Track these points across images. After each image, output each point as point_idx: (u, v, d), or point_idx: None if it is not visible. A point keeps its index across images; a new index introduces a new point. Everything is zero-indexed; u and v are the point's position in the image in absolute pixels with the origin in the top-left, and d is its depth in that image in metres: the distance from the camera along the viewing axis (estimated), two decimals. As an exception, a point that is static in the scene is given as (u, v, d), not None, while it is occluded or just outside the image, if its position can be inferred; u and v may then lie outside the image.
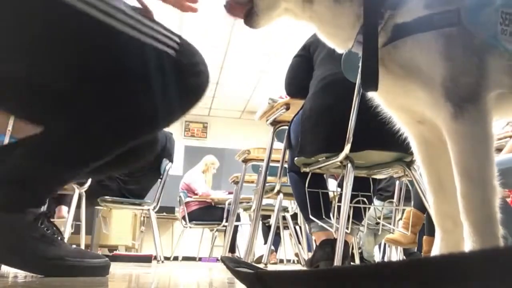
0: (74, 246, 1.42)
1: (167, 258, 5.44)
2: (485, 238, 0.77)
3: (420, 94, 0.83)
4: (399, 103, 0.93)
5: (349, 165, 1.86)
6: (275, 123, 2.64)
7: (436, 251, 0.94)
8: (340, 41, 0.94)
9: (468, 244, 0.78)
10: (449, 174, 0.85)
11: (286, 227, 4.68)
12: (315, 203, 2.07)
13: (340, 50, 0.96)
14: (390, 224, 2.61)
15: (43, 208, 1.21)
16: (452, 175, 0.83)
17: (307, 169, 2.08)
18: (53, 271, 1.14)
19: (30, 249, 1.12)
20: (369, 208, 2.22)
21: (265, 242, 5.25)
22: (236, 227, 5.04)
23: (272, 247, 5.03)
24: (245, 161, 3.41)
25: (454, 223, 0.91)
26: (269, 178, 2.82)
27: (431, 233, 2.61)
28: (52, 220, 1.21)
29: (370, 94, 0.96)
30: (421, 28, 0.81)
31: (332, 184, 3.19)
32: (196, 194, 5.37)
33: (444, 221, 0.94)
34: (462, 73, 0.80)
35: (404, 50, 0.82)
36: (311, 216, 2.04)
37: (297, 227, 4.28)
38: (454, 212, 0.87)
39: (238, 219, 5.18)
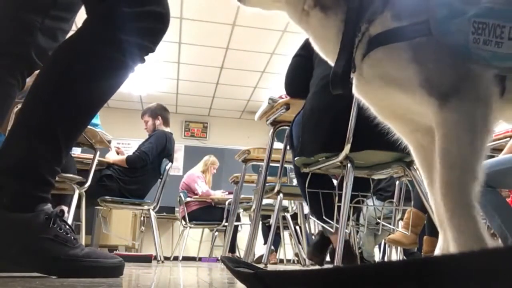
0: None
1: (167, 258, 5.44)
2: (461, 224, 0.78)
3: (404, 98, 0.85)
4: (392, 112, 0.96)
5: (349, 165, 1.86)
6: (275, 123, 2.64)
7: (437, 251, 0.95)
8: (327, 53, 0.98)
9: (448, 230, 0.80)
10: None
11: (286, 227, 4.68)
12: (327, 204, 2.07)
13: (330, 62, 0.99)
14: (390, 224, 2.61)
15: (57, 209, 1.20)
16: None
17: (307, 169, 2.08)
18: (67, 272, 1.13)
19: (43, 250, 1.11)
20: (367, 208, 2.22)
21: (265, 242, 5.25)
22: (236, 227, 5.04)
23: (272, 247, 5.03)
24: (245, 161, 3.41)
25: None
26: (269, 178, 2.82)
27: (432, 233, 2.61)
28: (64, 219, 1.20)
29: (369, 110, 1.00)
30: (392, 39, 0.84)
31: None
32: (196, 194, 5.37)
33: (443, 222, 0.95)
34: (436, 74, 0.82)
35: (378, 60, 0.86)
36: (325, 218, 2.03)
37: (297, 227, 4.28)
38: None
39: (238, 219, 5.18)
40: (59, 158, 1.18)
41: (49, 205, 1.17)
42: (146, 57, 1.27)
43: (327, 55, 0.99)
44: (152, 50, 1.27)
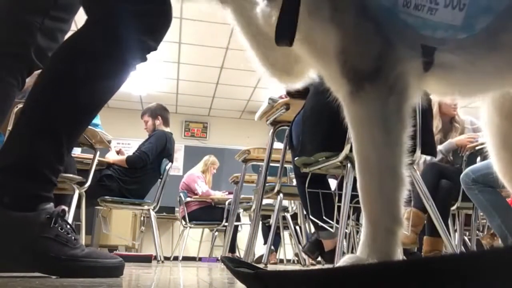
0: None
1: (167, 258, 5.44)
2: (377, 233, 0.69)
3: (321, 71, 0.75)
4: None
5: (349, 165, 1.86)
6: (275, 123, 2.64)
7: None
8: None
9: (362, 238, 0.72)
10: None
11: (286, 227, 4.68)
12: (326, 206, 2.07)
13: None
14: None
15: (59, 208, 1.20)
16: None
17: (307, 169, 2.08)
18: (67, 272, 1.13)
19: (44, 249, 1.11)
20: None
21: (265, 242, 5.25)
22: (236, 227, 5.04)
23: (272, 247, 5.03)
24: (245, 161, 3.41)
25: None
26: (269, 178, 2.82)
27: (432, 233, 2.61)
28: (66, 219, 1.20)
29: None
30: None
31: (332, 184, 3.19)
32: (196, 194, 5.37)
33: None
34: (357, 42, 0.71)
35: (302, 22, 0.73)
36: (324, 218, 2.04)
37: (297, 227, 4.28)
38: None
39: (238, 219, 5.18)
40: (61, 157, 1.18)
41: (51, 204, 1.17)
42: (148, 55, 1.27)
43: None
44: (155, 48, 1.26)
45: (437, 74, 0.75)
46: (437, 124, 3.04)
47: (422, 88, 0.79)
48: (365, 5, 0.71)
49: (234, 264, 0.78)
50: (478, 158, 2.81)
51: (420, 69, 0.73)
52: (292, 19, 0.71)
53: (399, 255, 0.71)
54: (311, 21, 0.72)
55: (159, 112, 4.14)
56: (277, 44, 0.73)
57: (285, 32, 0.72)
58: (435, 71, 0.74)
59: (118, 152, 3.79)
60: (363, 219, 0.72)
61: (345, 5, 0.72)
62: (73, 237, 1.17)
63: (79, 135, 1.27)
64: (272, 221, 3.58)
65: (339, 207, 1.91)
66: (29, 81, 2.83)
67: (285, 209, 4.17)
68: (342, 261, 0.69)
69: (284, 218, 4.29)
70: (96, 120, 2.83)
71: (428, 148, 1.92)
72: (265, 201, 3.24)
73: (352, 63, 0.70)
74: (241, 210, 4.88)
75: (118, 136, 6.69)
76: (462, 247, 3.05)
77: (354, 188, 1.89)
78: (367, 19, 0.71)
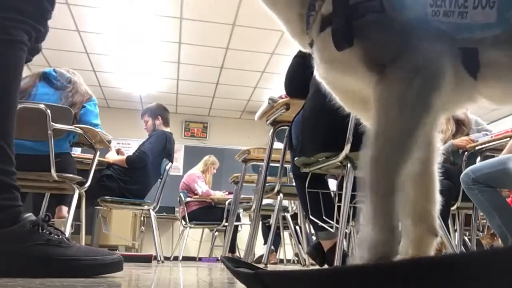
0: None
1: (167, 258, 5.44)
2: (378, 202, 0.71)
3: (350, 80, 0.80)
4: (353, 100, 0.90)
5: (349, 165, 1.86)
6: (275, 123, 2.64)
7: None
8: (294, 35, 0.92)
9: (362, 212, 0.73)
10: None
11: (286, 227, 4.68)
12: (325, 206, 2.07)
13: (299, 43, 0.93)
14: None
15: (42, 213, 1.19)
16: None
17: (307, 169, 2.08)
18: (67, 272, 1.13)
19: (41, 254, 1.11)
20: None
21: (265, 242, 5.25)
22: (236, 227, 5.04)
23: (272, 247, 5.03)
24: (245, 161, 3.41)
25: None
26: (269, 178, 2.82)
27: (431, 233, 2.61)
28: (52, 221, 1.20)
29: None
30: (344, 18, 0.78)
31: (332, 184, 3.19)
32: (196, 194, 5.37)
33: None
34: (376, 47, 0.76)
35: (325, 42, 0.79)
36: (324, 218, 2.04)
37: (297, 227, 4.28)
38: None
39: (238, 219, 5.18)
40: (6, 157, 1.15)
41: (30, 214, 1.16)
42: (35, 31, 1.22)
43: (294, 36, 0.92)
44: (39, 21, 1.22)
45: (488, 75, 0.75)
46: (451, 127, 3.03)
47: (476, 97, 0.80)
48: (392, 21, 0.75)
49: (234, 264, 0.78)
50: (478, 158, 2.81)
51: (466, 77, 0.75)
52: (344, 20, 0.76)
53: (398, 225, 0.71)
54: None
55: (159, 112, 4.14)
56: (339, 49, 0.77)
57: (342, 35, 0.76)
58: (485, 73, 0.75)
59: (118, 152, 3.79)
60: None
61: (368, 24, 0.76)
62: (64, 238, 1.17)
63: (13, 129, 1.20)
64: (272, 221, 3.58)
65: (339, 207, 1.91)
66: (28, 81, 2.83)
67: (285, 209, 4.17)
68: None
69: (284, 218, 4.30)
70: (96, 120, 2.84)
71: None
72: (265, 201, 3.24)
73: (374, 60, 0.74)
74: (241, 210, 4.89)
75: (118, 136, 6.69)
76: (462, 247, 3.06)
77: (354, 188, 1.89)
78: (392, 30, 0.75)
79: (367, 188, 0.72)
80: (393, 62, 0.73)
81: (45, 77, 2.78)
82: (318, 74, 0.88)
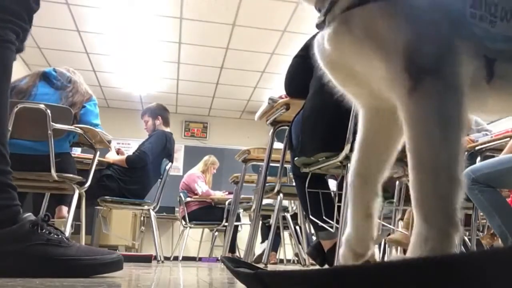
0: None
1: (167, 258, 5.44)
2: (432, 233, 0.65)
3: (377, 63, 0.73)
4: (356, 73, 0.83)
5: (349, 165, 1.85)
6: (275, 123, 2.64)
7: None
8: None
9: (414, 238, 0.68)
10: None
11: (286, 227, 4.68)
12: (325, 206, 2.07)
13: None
14: (390, 224, 2.61)
15: (42, 213, 1.19)
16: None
17: (307, 169, 2.08)
18: (66, 272, 1.12)
19: (40, 254, 1.11)
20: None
21: (262, 241, 5.26)
22: (236, 227, 5.04)
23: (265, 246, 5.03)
24: (245, 161, 3.41)
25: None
26: (269, 178, 2.82)
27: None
28: (52, 221, 1.20)
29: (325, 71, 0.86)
30: None
31: (332, 185, 3.19)
32: (196, 194, 5.37)
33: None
34: (427, 38, 0.70)
35: (369, 13, 0.73)
36: (324, 218, 2.03)
37: (297, 227, 4.28)
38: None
39: (238, 219, 5.18)
40: (1, 157, 1.15)
41: (29, 214, 1.16)
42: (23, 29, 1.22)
43: None
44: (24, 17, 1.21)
45: (497, 87, 0.74)
46: None
47: (482, 102, 0.78)
48: (438, 8, 0.72)
49: (234, 264, 0.78)
50: (478, 158, 2.81)
51: (482, 80, 0.73)
52: None
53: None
54: (380, 15, 0.72)
55: (159, 112, 4.14)
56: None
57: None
58: (495, 84, 0.74)
59: (118, 152, 3.79)
60: (414, 218, 0.69)
61: (421, 9, 0.72)
62: (64, 238, 1.17)
63: (6, 128, 1.22)
64: (272, 221, 3.58)
65: (339, 207, 1.91)
66: (28, 81, 2.83)
67: (285, 209, 4.17)
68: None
69: (284, 218, 4.30)
70: (96, 120, 2.84)
71: None
72: (265, 201, 3.24)
73: (415, 59, 0.69)
74: (241, 210, 4.88)
75: (118, 136, 6.69)
76: (462, 247, 3.06)
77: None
78: (440, 22, 0.71)
79: (418, 218, 0.67)
80: (434, 71, 0.68)
81: (45, 77, 2.77)
82: (323, 49, 0.81)
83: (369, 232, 0.86)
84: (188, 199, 5.32)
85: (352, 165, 0.88)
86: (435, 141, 0.67)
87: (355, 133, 1.76)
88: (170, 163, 3.88)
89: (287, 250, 5.64)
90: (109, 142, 2.97)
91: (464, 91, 0.68)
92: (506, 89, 0.76)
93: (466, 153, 2.89)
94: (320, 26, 0.83)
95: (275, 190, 2.73)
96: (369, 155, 0.88)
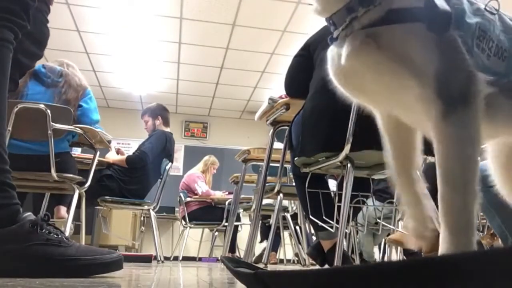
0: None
1: (167, 258, 5.44)
2: (460, 243, 0.75)
3: (411, 83, 0.78)
4: (381, 87, 0.86)
5: (349, 165, 1.86)
6: (275, 123, 2.64)
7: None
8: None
9: (442, 248, 0.77)
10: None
11: (286, 227, 4.68)
12: (325, 206, 2.07)
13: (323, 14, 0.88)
14: (390, 224, 2.61)
15: (42, 213, 1.19)
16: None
17: (307, 170, 2.08)
18: (68, 272, 1.12)
19: (40, 253, 1.11)
20: (367, 208, 2.22)
21: (261, 241, 5.26)
22: (236, 227, 5.04)
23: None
24: (245, 161, 3.41)
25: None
26: (269, 178, 2.82)
27: (432, 233, 2.61)
28: (52, 221, 1.19)
29: (340, 88, 0.90)
30: (418, 18, 0.78)
31: (332, 185, 3.19)
32: (196, 194, 5.37)
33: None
34: (455, 68, 0.78)
35: (399, 34, 0.78)
36: (325, 218, 2.04)
37: (297, 227, 4.28)
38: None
39: (238, 219, 5.18)
40: (0, 157, 1.15)
41: (29, 214, 1.16)
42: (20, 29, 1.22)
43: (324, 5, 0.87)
44: (22, 17, 1.21)
45: (487, 113, 0.82)
46: None
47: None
48: (453, 42, 0.80)
49: (234, 264, 0.78)
50: (478, 158, 2.80)
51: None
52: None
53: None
54: (416, 44, 0.78)
55: (159, 112, 4.14)
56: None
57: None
58: (486, 110, 0.82)
59: (118, 152, 3.79)
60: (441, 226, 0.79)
61: (448, 39, 0.79)
62: (64, 237, 1.17)
63: (5, 127, 1.22)
64: (272, 221, 3.58)
65: (339, 207, 1.91)
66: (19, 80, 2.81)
67: (285, 209, 4.17)
68: None
69: (284, 218, 4.30)
70: (95, 115, 2.83)
71: (429, 148, 1.92)
72: (265, 201, 3.23)
73: (447, 87, 0.77)
74: (241, 210, 4.88)
75: (118, 136, 6.69)
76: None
77: (354, 188, 1.89)
78: (464, 52, 0.80)
79: (446, 231, 0.77)
80: (464, 100, 0.76)
81: (35, 75, 2.72)
82: (338, 62, 0.84)
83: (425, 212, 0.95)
84: (188, 199, 5.32)
85: (391, 165, 0.99)
86: (465, 160, 0.77)
87: (355, 133, 1.77)
88: (170, 163, 3.88)
89: (287, 250, 5.64)
90: (109, 142, 2.96)
91: (481, 117, 0.79)
92: (491, 117, 0.85)
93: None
94: (334, 39, 0.86)
95: (275, 190, 2.73)
96: (399, 155, 1.00)
